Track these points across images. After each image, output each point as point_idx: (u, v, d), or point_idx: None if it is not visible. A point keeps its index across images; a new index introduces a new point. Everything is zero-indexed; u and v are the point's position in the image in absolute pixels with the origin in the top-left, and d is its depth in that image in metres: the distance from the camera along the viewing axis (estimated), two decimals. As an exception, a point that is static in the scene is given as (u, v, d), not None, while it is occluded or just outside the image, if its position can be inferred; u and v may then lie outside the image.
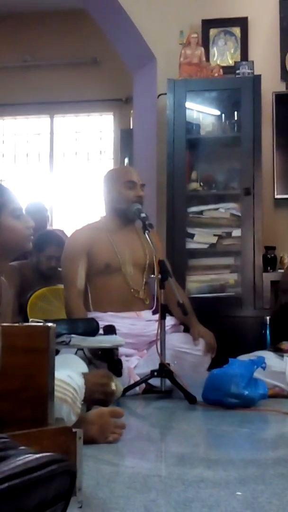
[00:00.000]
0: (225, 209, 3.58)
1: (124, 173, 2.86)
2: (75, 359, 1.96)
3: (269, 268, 3.52)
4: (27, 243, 1.77)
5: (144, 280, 2.75)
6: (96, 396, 1.72)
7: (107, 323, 2.42)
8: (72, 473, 0.91)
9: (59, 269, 3.16)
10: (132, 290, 2.69)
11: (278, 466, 1.47)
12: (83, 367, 1.85)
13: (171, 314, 2.67)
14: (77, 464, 1.16)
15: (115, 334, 2.34)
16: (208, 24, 3.88)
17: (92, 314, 2.59)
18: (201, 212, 3.60)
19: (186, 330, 2.75)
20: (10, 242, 1.71)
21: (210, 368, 2.56)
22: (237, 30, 3.87)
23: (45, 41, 5.86)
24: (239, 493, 1.24)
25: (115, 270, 2.69)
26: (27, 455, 0.87)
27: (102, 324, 2.38)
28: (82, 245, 2.69)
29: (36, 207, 4.27)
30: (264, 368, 2.15)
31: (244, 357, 2.32)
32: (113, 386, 1.77)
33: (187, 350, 2.61)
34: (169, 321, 2.61)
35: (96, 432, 1.58)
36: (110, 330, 2.34)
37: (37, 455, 0.87)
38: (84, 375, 1.69)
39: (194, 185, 3.64)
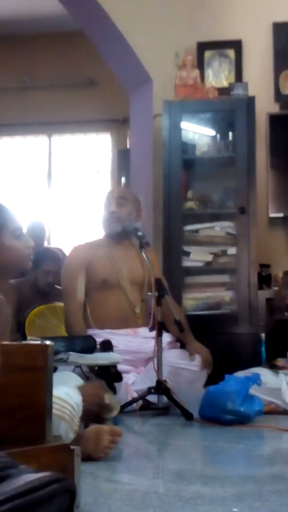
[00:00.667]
0: (220, 228, 3.61)
1: (106, 195, 2.91)
2: (72, 376, 1.97)
3: (264, 285, 3.55)
4: (27, 262, 1.80)
5: (142, 297, 2.77)
6: (91, 407, 1.73)
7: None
8: (72, 492, 0.92)
9: (57, 286, 3.19)
10: (129, 306, 2.72)
11: (275, 482, 1.48)
12: (80, 382, 1.87)
13: (168, 331, 2.69)
14: (75, 481, 1.17)
15: (112, 350, 2.35)
16: (203, 46, 3.95)
17: (90, 331, 2.61)
18: (197, 231, 3.64)
19: (183, 346, 2.77)
20: (10, 261, 1.74)
21: (207, 384, 2.57)
22: (231, 52, 3.94)
23: (42, 62, 5.95)
24: (236, 510, 1.25)
25: (113, 285, 2.72)
26: (28, 475, 0.88)
27: (99, 341, 2.40)
28: (81, 260, 2.74)
29: (33, 225, 4.32)
30: (259, 385, 2.17)
31: (240, 374, 2.33)
32: (107, 400, 1.78)
33: (184, 366, 2.62)
34: (166, 338, 2.63)
35: (91, 448, 1.59)
36: (107, 346, 2.36)
37: (39, 475, 0.89)
38: (80, 387, 1.70)
39: (190, 204, 3.68)
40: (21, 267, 1.80)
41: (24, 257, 1.76)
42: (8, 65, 6.01)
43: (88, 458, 1.56)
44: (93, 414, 1.75)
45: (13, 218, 1.76)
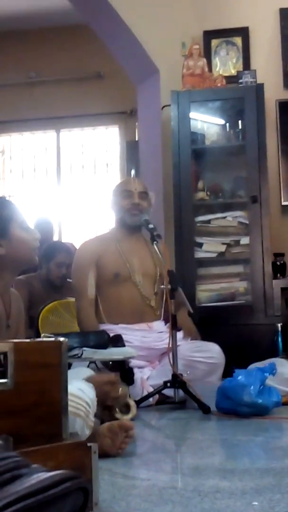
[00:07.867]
0: (232, 218, 3.58)
1: (122, 183, 2.92)
2: (81, 368, 1.96)
3: (278, 275, 3.52)
4: (34, 255, 1.82)
5: (155, 290, 2.76)
6: (102, 398, 1.72)
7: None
8: (85, 489, 0.91)
9: (69, 280, 3.19)
10: (143, 299, 2.71)
11: (294, 475, 1.46)
12: (89, 371, 1.86)
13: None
14: (93, 478, 1.16)
15: (123, 343, 2.34)
16: (209, 35, 3.91)
17: (104, 327, 2.60)
18: (208, 221, 3.61)
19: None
20: (19, 253, 1.76)
21: (223, 376, 2.56)
22: (238, 40, 3.90)
23: (49, 57, 5.93)
24: (256, 503, 1.23)
25: (125, 279, 2.71)
26: (40, 474, 0.87)
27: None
28: (90, 255, 2.73)
29: (40, 222, 4.32)
30: (274, 375, 2.14)
31: (256, 365, 2.31)
32: (119, 391, 1.77)
33: (199, 359, 2.61)
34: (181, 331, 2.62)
35: (108, 445, 1.58)
36: (117, 340, 2.35)
37: (51, 473, 0.87)
38: (90, 377, 1.70)
39: (201, 195, 3.65)
40: (30, 259, 1.83)
41: (32, 249, 1.79)
42: (14, 61, 5.99)
43: (104, 454, 1.55)
44: (104, 403, 1.75)
45: (18, 211, 1.77)
